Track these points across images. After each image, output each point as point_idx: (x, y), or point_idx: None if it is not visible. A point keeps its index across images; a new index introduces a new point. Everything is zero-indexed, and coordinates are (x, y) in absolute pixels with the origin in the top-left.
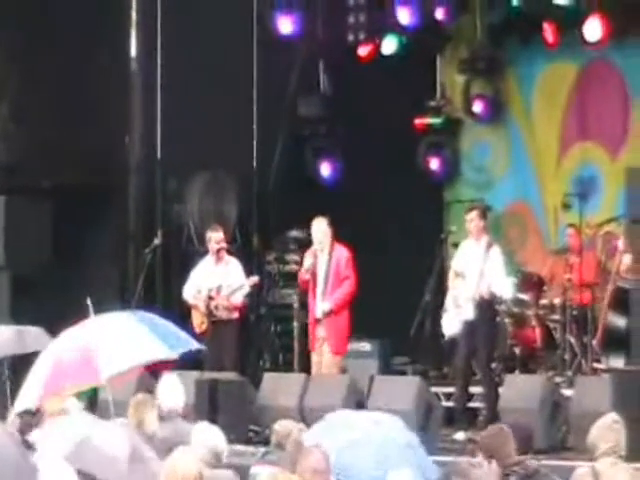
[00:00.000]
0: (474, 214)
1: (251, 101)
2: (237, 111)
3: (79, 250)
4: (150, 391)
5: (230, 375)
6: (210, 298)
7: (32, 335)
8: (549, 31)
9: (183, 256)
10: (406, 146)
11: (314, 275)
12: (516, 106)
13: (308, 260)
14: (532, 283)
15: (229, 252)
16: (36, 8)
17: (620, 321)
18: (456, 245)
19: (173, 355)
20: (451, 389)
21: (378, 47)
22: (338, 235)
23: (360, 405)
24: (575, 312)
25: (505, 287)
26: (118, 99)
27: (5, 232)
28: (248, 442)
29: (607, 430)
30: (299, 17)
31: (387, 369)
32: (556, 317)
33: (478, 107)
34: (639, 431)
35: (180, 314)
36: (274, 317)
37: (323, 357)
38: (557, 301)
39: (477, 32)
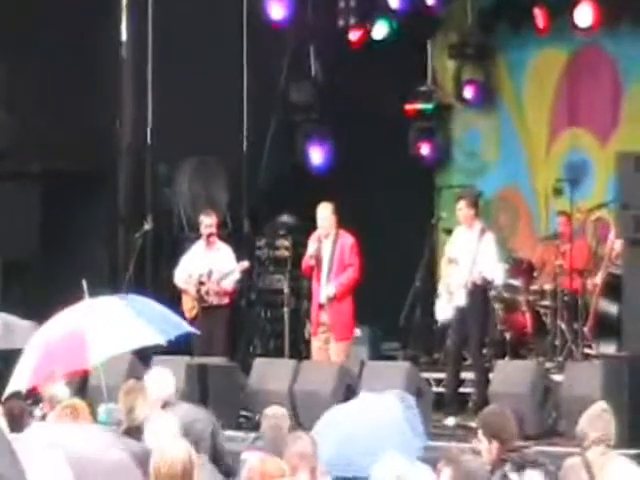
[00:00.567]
0: (462, 203)
1: (242, 86)
2: (228, 96)
3: (69, 235)
4: (139, 377)
5: (220, 360)
6: (201, 283)
7: (21, 331)
8: (540, 17)
9: (173, 241)
10: (397, 132)
11: (318, 261)
12: (507, 92)
13: (312, 246)
14: (523, 269)
15: (220, 237)
16: None
17: (612, 307)
18: (447, 231)
19: (164, 339)
20: (441, 375)
21: (369, 32)
22: None
23: (350, 390)
24: (566, 298)
25: (497, 273)
26: (108, 84)
27: None
28: (238, 427)
29: (596, 419)
30: (289, 2)
31: (377, 354)
32: (547, 303)
33: (469, 92)
34: (629, 417)
35: (170, 299)
36: (264, 303)
37: (330, 345)
38: (548, 287)
39: (468, 17)
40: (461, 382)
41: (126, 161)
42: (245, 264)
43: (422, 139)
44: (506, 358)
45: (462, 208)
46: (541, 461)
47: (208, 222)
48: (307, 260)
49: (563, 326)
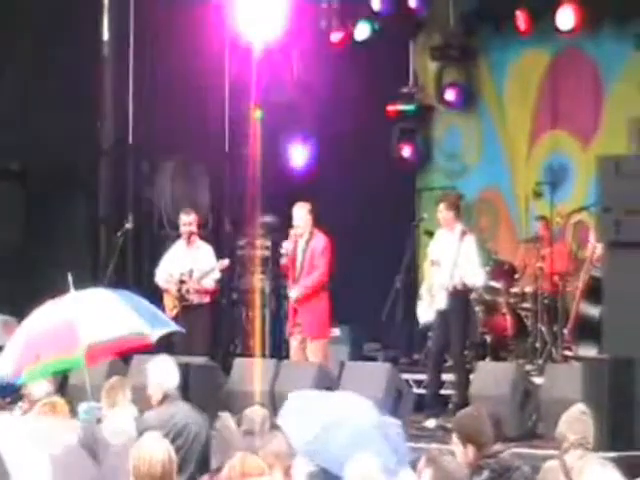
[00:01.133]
0: (442, 206)
1: (223, 86)
2: (209, 96)
3: (50, 233)
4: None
5: (200, 360)
6: (182, 282)
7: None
8: (522, 19)
9: (154, 240)
10: (378, 133)
11: (293, 261)
12: (488, 94)
13: (286, 245)
14: (503, 271)
15: (201, 237)
16: None
17: (592, 310)
18: (428, 232)
19: (153, 332)
20: (422, 376)
21: (351, 33)
22: None
23: (330, 391)
24: (546, 301)
25: (477, 276)
26: (90, 83)
27: None
28: None
29: (575, 421)
30: None
31: (358, 355)
32: (527, 305)
33: (450, 94)
34: (609, 419)
35: (152, 298)
36: (245, 302)
37: (306, 344)
38: (528, 289)
39: (450, 19)
40: (442, 384)
41: (107, 160)
42: (225, 262)
43: (403, 140)
44: (486, 360)
45: (442, 211)
46: (517, 464)
47: (187, 220)
48: (283, 260)
49: (543, 329)
